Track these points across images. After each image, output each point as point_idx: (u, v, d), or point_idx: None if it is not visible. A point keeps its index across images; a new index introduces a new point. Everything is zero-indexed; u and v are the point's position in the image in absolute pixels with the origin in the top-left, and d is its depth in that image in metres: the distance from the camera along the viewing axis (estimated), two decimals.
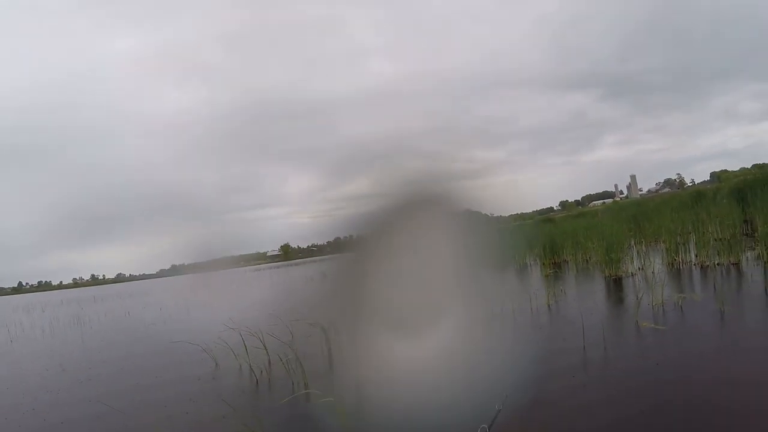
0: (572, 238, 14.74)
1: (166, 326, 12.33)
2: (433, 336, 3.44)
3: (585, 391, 4.27)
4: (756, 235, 11.20)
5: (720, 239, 11.08)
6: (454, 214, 3.47)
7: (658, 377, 4.26)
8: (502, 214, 3.50)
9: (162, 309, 17.40)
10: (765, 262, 8.93)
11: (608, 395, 4.08)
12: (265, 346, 6.36)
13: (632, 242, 14.08)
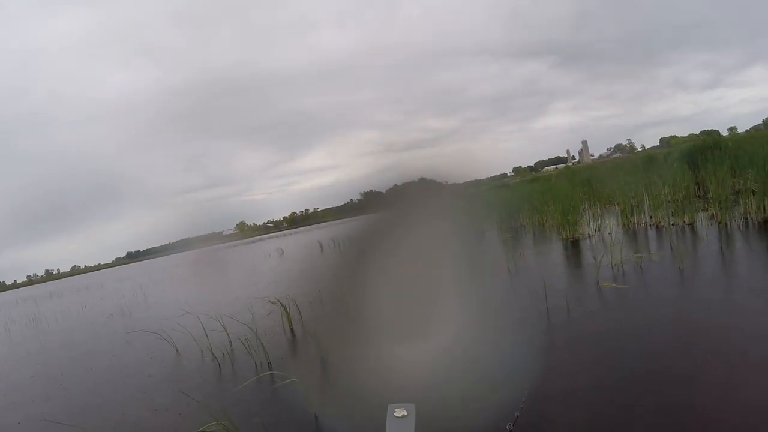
0: (528, 203, 14.82)
1: (124, 317, 11.95)
2: (393, 302, 3.35)
3: (550, 353, 4.24)
4: (708, 196, 11.42)
5: (673, 201, 11.23)
6: (411, 183, 3.38)
7: (622, 336, 4.28)
8: (456, 182, 3.42)
9: (119, 299, 16.96)
10: (719, 222, 9.08)
11: (573, 357, 4.07)
12: (225, 329, 6.19)
13: (587, 205, 14.21)
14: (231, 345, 5.98)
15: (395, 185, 3.36)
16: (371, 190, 3.34)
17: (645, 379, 3.40)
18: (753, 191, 9.38)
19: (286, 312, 6.46)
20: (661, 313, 4.68)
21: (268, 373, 4.72)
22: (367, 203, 3.38)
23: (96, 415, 4.89)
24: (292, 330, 6.29)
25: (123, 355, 7.21)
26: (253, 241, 56.92)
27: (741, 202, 9.40)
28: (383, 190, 3.33)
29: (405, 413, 1.80)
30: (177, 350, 6.42)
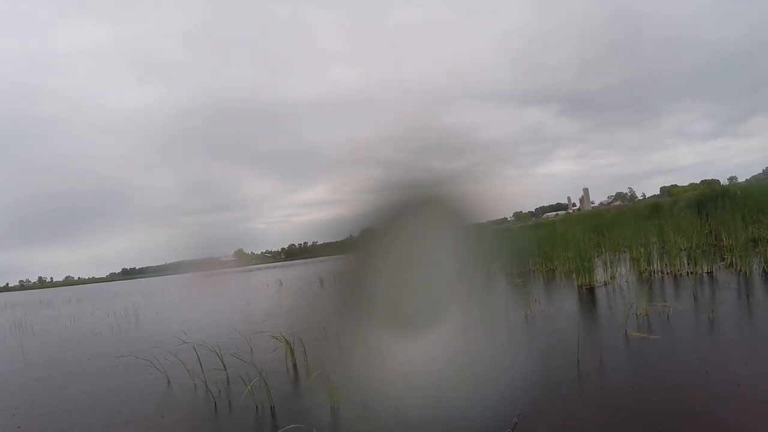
0: (538, 248, 14.51)
1: (113, 336, 11.45)
2: (410, 350, 3.04)
3: (585, 405, 3.93)
4: (722, 244, 11.27)
5: (687, 249, 11.03)
6: (423, 219, 3.10)
7: (661, 388, 3.97)
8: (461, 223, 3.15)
9: (110, 316, 16.42)
10: (739, 271, 8.95)
11: (611, 408, 3.74)
12: (223, 364, 5.76)
13: (595, 253, 13.93)
14: (228, 381, 5.55)
15: (408, 221, 3.10)
16: (383, 224, 3.08)
17: None
18: None
19: (291, 349, 6.02)
20: (697, 365, 4.45)
21: (292, 426, 4.18)
22: (367, 240, 3.10)
23: None
24: (295, 368, 5.84)
25: (107, 380, 6.61)
26: (249, 270, 55.95)
27: (759, 251, 9.44)
28: (397, 225, 3.07)
29: None
30: (169, 382, 5.93)
